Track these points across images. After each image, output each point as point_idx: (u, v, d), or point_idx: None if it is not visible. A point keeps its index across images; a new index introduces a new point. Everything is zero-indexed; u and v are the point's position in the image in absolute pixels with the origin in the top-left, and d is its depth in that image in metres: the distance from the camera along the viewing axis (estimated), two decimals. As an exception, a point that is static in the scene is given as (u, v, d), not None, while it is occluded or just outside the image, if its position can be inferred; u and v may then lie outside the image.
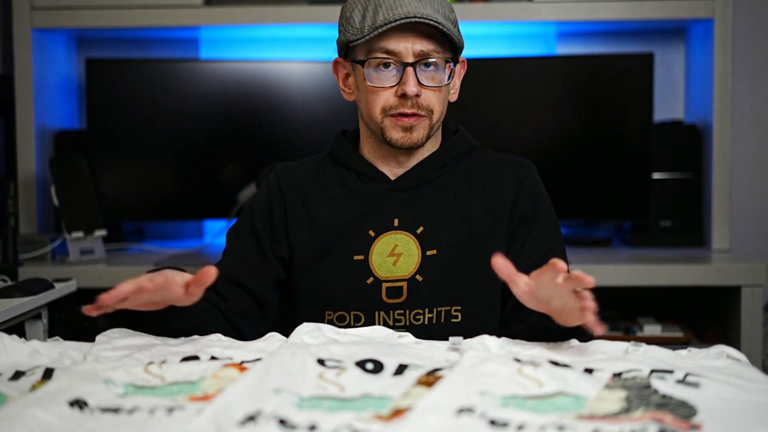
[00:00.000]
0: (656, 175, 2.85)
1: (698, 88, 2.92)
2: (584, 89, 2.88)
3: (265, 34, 3.05)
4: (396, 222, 1.68)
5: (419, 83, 1.61)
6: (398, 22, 1.57)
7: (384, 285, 1.66)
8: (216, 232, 3.12)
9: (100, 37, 3.12)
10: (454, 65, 1.66)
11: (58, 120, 3.00)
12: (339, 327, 1.63)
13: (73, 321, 2.48)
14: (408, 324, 1.65)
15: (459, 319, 1.66)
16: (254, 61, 2.94)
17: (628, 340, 1.41)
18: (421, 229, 1.68)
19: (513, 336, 1.50)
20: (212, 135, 2.92)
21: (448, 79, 1.65)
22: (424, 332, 1.60)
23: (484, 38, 3.02)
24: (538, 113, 2.88)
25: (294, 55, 3.08)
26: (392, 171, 1.72)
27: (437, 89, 1.63)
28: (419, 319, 1.65)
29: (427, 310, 1.65)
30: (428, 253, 1.66)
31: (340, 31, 1.67)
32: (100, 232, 2.70)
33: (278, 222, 1.73)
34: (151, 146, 2.91)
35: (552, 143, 2.87)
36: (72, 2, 2.83)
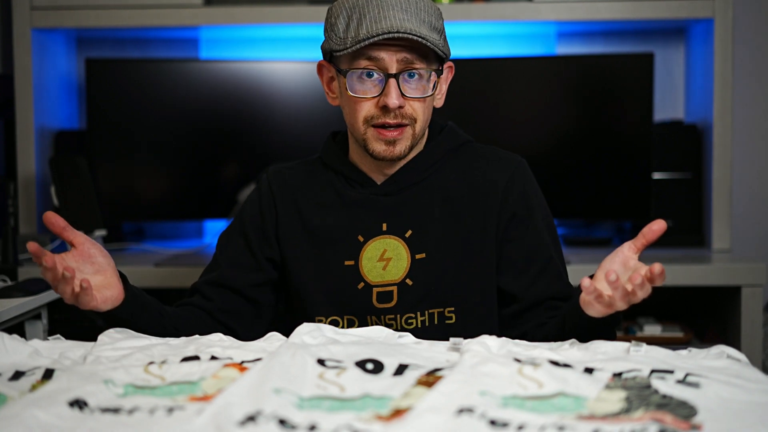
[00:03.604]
0: (656, 175, 2.85)
1: (698, 88, 2.92)
2: (584, 89, 2.88)
3: (265, 34, 3.05)
4: (384, 227, 1.67)
5: (402, 94, 1.58)
6: (381, 37, 1.53)
7: (374, 290, 1.66)
8: (216, 232, 3.12)
9: (100, 37, 3.12)
10: (439, 75, 1.62)
11: (58, 120, 3.00)
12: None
13: (73, 321, 2.48)
14: (400, 328, 1.65)
15: (454, 320, 1.66)
16: (254, 61, 2.94)
17: (628, 340, 1.41)
18: (409, 232, 1.67)
19: (544, 335, 1.57)
20: (212, 135, 2.92)
21: (433, 89, 1.61)
22: (419, 335, 1.59)
23: (484, 38, 3.02)
24: (538, 113, 2.88)
25: (294, 55, 3.08)
26: (379, 176, 1.70)
27: (421, 99, 1.61)
28: (411, 323, 1.65)
29: (418, 313, 1.65)
30: (417, 256, 1.66)
31: (324, 37, 1.64)
32: (100, 232, 2.70)
33: (269, 224, 1.73)
34: (151, 146, 2.91)
35: (552, 143, 2.87)
36: (72, 2, 2.83)
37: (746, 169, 3.06)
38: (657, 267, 1.35)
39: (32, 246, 1.40)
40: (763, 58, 3.06)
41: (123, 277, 1.56)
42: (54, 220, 1.46)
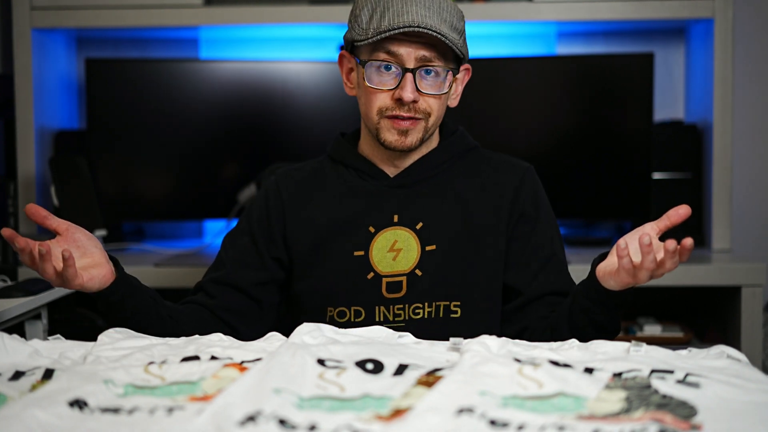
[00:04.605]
0: (656, 175, 2.85)
1: (698, 88, 2.92)
2: (584, 89, 2.88)
3: (265, 34, 3.05)
4: (395, 218, 1.69)
5: (418, 89, 1.62)
6: (402, 30, 1.57)
7: (384, 280, 1.67)
8: (216, 232, 3.12)
9: (100, 37, 3.12)
10: (455, 74, 1.66)
11: (58, 120, 3.00)
12: (339, 322, 1.64)
13: (73, 321, 2.49)
14: (407, 318, 1.66)
15: (459, 315, 1.67)
16: (254, 61, 2.94)
17: (628, 340, 1.41)
18: (420, 224, 1.69)
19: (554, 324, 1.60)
20: (212, 135, 2.92)
21: (447, 88, 1.65)
22: (423, 327, 1.61)
23: (484, 38, 3.02)
24: (538, 113, 2.88)
25: (294, 55, 3.08)
26: (391, 169, 1.73)
27: (436, 96, 1.64)
28: (418, 313, 1.66)
29: (426, 304, 1.66)
30: (427, 248, 1.68)
31: (348, 27, 1.68)
32: (100, 232, 2.70)
33: (276, 226, 1.74)
34: (151, 146, 2.91)
35: (552, 143, 2.87)
36: (72, 2, 2.83)
37: (746, 169, 3.06)
38: (688, 240, 1.36)
39: (6, 231, 1.43)
40: (763, 58, 3.06)
41: (116, 263, 1.57)
42: (34, 210, 1.50)
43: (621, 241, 1.44)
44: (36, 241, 1.45)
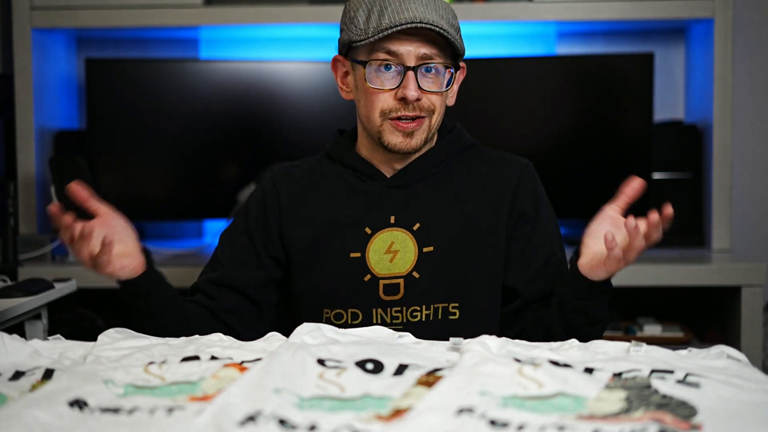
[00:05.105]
0: (656, 175, 2.85)
1: (698, 88, 2.92)
2: (584, 89, 2.88)
3: (265, 34, 3.05)
4: (392, 219, 1.68)
5: (420, 87, 1.61)
6: (404, 26, 1.57)
7: (381, 282, 1.66)
8: (216, 232, 3.11)
9: (100, 37, 3.12)
10: (455, 71, 1.66)
11: (58, 120, 3.00)
12: (336, 324, 1.64)
13: (73, 321, 2.49)
14: (405, 321, 1.65)
15: (457, 316, 1.66)
16: (254, 61, 2.94)
17: (628, 340, 1.41)
18: (417, 225, 1.68)
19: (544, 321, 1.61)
20: (212, 135, 2.92)
21: (448, 85, 1.65)
22: (422, 330, 1.60)
23: (484, 38, 3.02)
24: (538, 113, 2.88)
25: (294, 55, 3.08)
26: (388, 169, 1.72)
27: (438, 93, 1.63)
28: (416, 316, 1.65)
29: (424, 306, 1.65)
30: (425, 249, 1.67)
31: (342, 30, 1.66)
32: (100, 232, 2.70)
33: (272, 222, 1.73)
34: (152, 146, 2.91)
35: (552, 143, 2.87)
36: (72, 2, 2.83)
37: (746, 169, 3.06)
38: (668, 208, 1.44)
39: (53, 207, 1.44)
40: (763, 58, 3.06)
41: (148, 255, 1.59)
42: (77, 190, 1.50)
43: (607, 234, 1.48)
44: (79, 221, 1.45)
